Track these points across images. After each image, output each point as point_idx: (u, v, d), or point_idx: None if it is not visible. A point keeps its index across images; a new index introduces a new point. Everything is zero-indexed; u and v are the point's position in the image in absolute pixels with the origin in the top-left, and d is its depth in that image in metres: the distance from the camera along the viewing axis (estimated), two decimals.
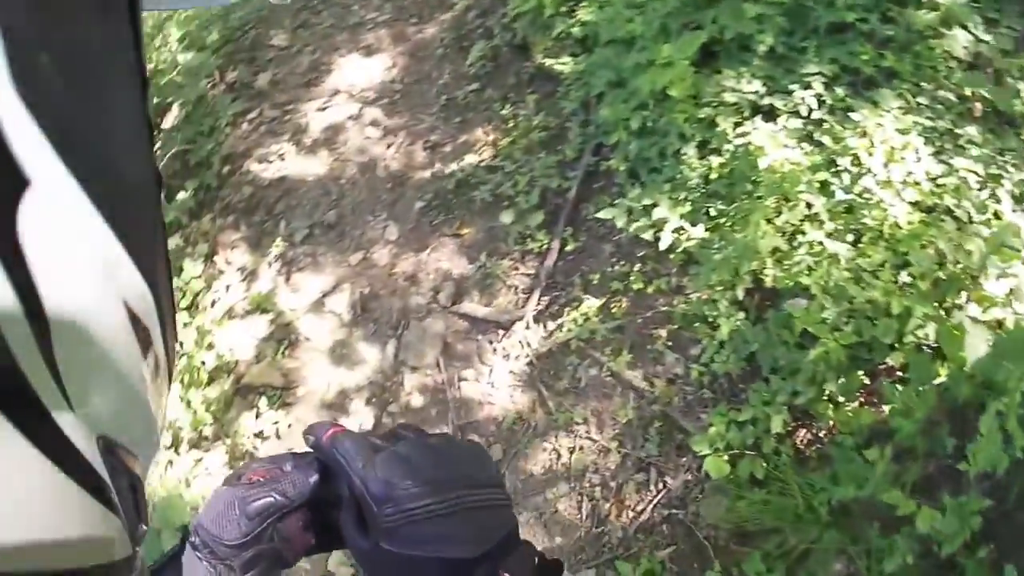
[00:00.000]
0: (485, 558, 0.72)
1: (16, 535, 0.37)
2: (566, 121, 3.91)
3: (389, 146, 4.35)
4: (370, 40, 4.96)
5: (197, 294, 4.06)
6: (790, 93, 3.16)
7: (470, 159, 4.06)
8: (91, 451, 0.42)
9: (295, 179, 4.37)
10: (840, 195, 2.87)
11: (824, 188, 2.91)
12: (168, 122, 4.97)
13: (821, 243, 2.78)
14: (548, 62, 4.01)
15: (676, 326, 3.20)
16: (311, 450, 0.81)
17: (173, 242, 4.18)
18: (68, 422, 0.39)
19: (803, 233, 2.85)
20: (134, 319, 0.43)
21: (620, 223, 3.21)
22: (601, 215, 3.30)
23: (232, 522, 0.80)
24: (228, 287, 4.09)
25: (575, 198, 3.64)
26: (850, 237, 2.83)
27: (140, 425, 0.50)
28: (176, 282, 4.04)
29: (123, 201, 0.41)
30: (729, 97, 3.20)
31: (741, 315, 2.95)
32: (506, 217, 3.72)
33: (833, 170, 2.95)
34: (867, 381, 2.73)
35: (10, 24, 0.29)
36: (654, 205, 3.13)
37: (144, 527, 0.52)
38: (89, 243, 0.38)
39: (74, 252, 0.37)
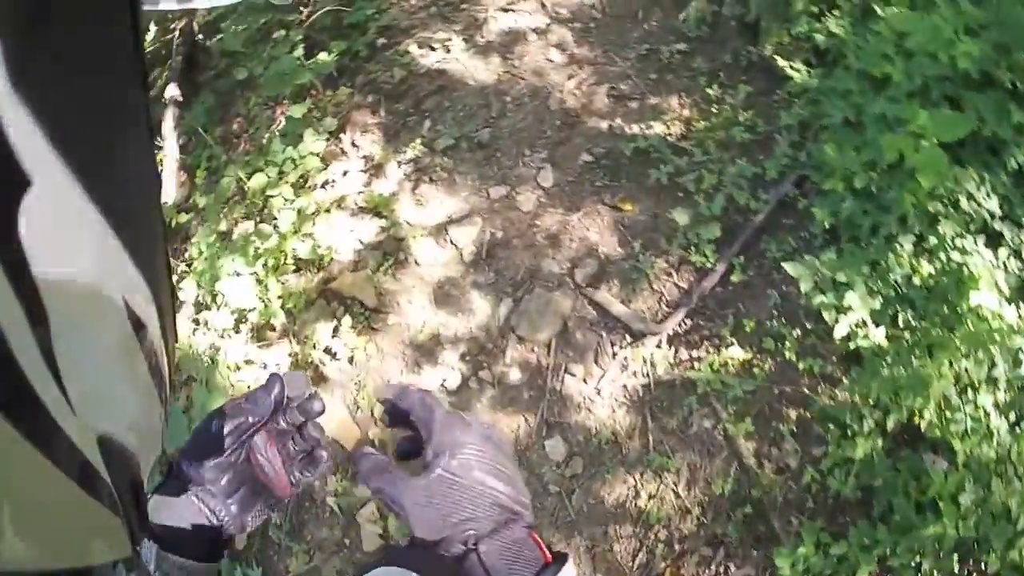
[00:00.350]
0: (522, 517, 0.89)
1: (17, 535, 0.38)
2: (776, 131, 3.64)
3: (570, 78, 4.08)
4: None
5: (309, 172, 3.82)
6: (1021, 227, 2.96)
7: (657, 128, 3.80)
8: (91, 451, 0.44)
9: (455, 78, 4.10)
10: None
11: (1016, 355, 2.73)
12: None
13: (988, 413, 2.65)
14: (778, 59, 3.67)
15: (809, 416, 3.07)
16: (392, 392, 0.94)
17: (300, 109, 3.89)
18: (68, 422, 0.40)
19: (976, 391, 2.69)
20: (134, 319, 0.46)
21: (804, 286, 2.96)
22: (787, 267, 3.03)
23: (209, 444, 0.93)
24: (346, 173, 3.89)
25: (760, 225, 3.39)
26: (1013, 416, 2.68)
27: (140, 424, 0.53)
28: (291, 151, 3.82)
29: (123, 201, 0.43)
30: (964, 202, 2.96)
31: (879, 441, 2.82)
32: (680, 215, 3.49)
33: None
34: (956, 569, 2.65)
35: (10, 25, 0.30)
36: (847, 286, 2.89)
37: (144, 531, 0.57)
38: (90, 243, 0.40)
39: (75, 252, 0.39)
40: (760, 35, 3.90)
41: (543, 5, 4.38)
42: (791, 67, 3.58)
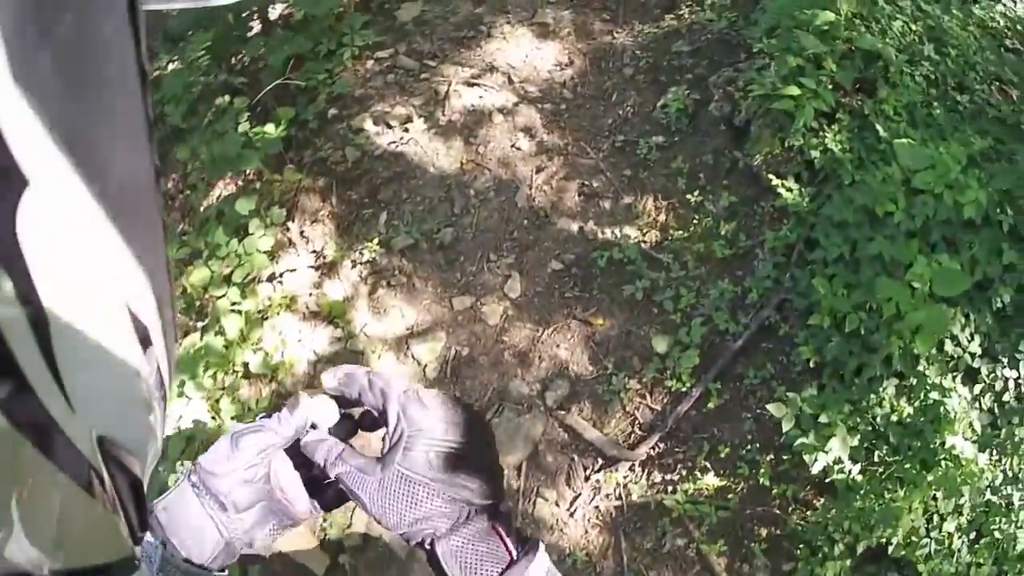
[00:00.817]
0: (486, 508, 0.94)
1: (17, 535, 0.40)
2: (758, 247, 3.76)
3: (539, 170, 4.16)
4: (548, 18, 4.60)
5: (255, 268, 3.77)
6: (997, 361, 3.26)
7: (631, 233, 3.92)
8: (91, 451, 0.47)
9: (414, 163, 4.10)
10: (988, 494, 3.04)
11: (982, 490, 3.06)
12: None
13: (951, 535, 3.00)
14: (766, 172, 3.77)
15: (779, 533, 3.32)
16: (335, 380, 0.99)
17: (246, 205, 3.83)
18: (68, 422, 0.43)
19: (942, 519, 3.03)
20: (134, 319, 0.48)
21: (786, 425, 3.17)
22: (770, 408, 3.19)
23: (225, 457, 0.96)
24: (296, 271, 3.81)
25: (738, 349, 3.52)
26: (973, 535, 3.04)
27: (141, 425, 0.55)
28: (235, 245, 3.77)
29: (124, 201, 0.44)
30: (948, 344, 3.24)
31: (848, 562, 3.11)
32: (658, 342, 3.65)
33: (999, 469, 3.09)
34: None
35: (10, 24, 0.31)
36: (828, 427, 3.11)
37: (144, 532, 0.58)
38: (89, 243, 0.41)
39: (74, 252, 0.40)
40: (749, 141, 3.94)
41: (510, 80, 4.43)
42: (780, 184, 3.69)
